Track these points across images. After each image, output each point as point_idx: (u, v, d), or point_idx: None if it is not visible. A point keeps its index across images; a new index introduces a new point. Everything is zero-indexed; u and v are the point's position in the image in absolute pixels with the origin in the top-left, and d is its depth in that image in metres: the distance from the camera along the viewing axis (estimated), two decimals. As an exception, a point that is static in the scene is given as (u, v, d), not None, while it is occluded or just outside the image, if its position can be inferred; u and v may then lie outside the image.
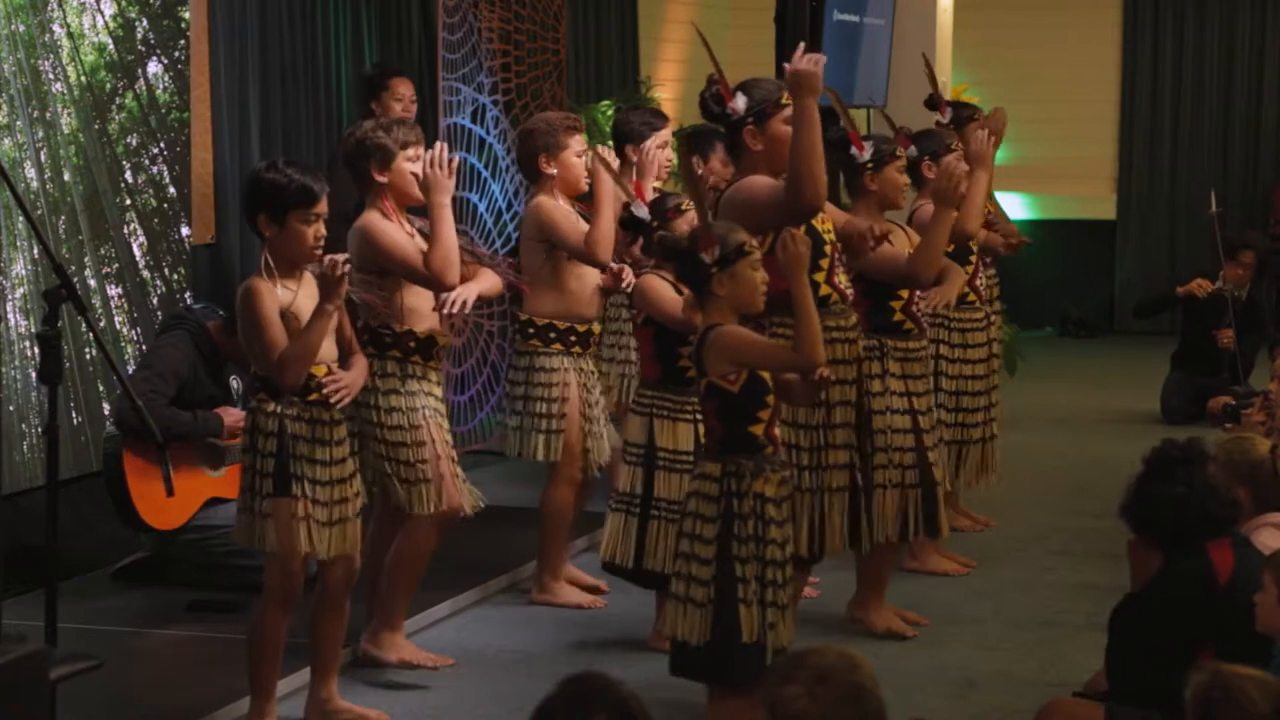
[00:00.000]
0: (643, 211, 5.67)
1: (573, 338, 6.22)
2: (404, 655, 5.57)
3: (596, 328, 6.34)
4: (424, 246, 5.34)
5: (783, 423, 5.05)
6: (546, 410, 6.18)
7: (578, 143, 6.24)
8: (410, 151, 5.40)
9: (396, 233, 5.37)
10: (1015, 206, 13.02)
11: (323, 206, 4.91)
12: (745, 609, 4.67)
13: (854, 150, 6.18)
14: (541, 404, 6.18)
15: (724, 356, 4.68)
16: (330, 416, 4.95)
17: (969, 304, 6.82)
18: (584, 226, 6.15)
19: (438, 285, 5.37)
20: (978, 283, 6.84)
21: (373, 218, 5.38)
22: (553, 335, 6.20)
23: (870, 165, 6.18)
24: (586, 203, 6.54)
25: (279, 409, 4.88)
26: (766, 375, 4.72)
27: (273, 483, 4.86)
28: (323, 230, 4.92)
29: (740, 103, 5.37)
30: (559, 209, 6.19)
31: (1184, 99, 13.97)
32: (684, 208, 5.64)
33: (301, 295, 4.90)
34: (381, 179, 5.38)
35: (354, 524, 5.02)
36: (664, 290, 5.56)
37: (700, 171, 7.27)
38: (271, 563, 4.95)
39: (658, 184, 6.37)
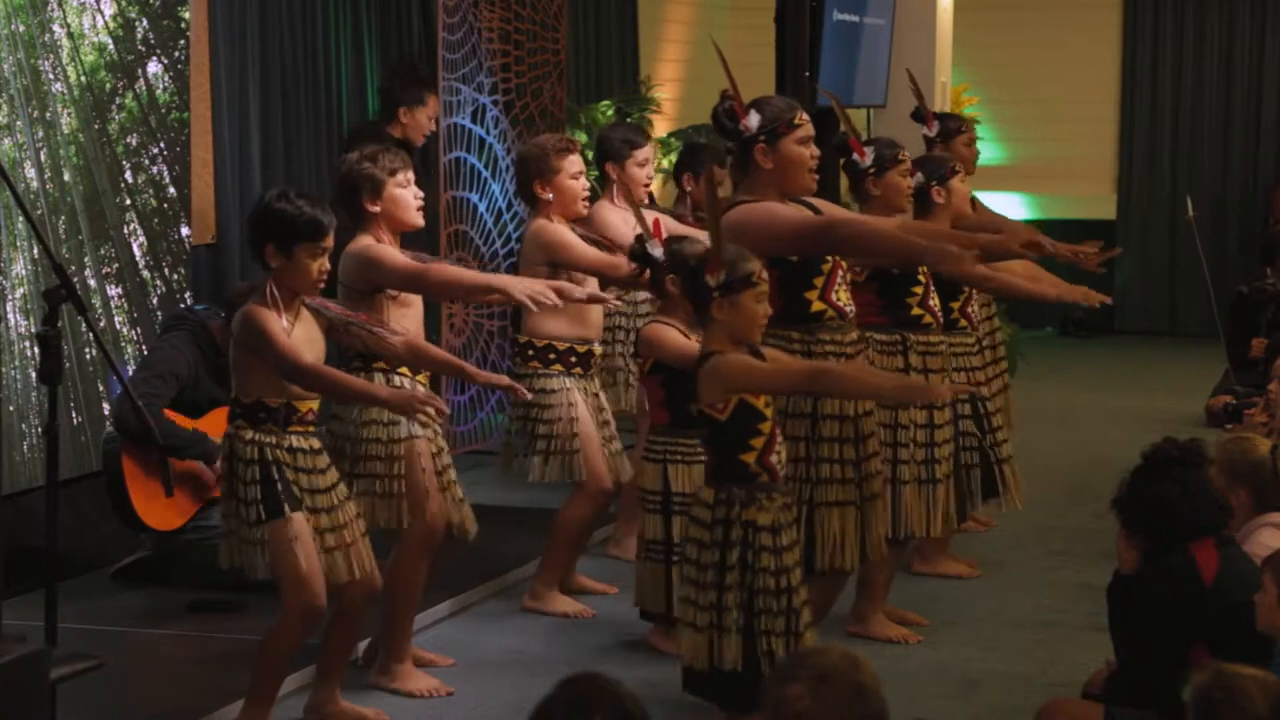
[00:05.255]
0: (657, 251, 5.59)
1: (573, 358, 6.17)
2: (413, 686, 5.52)
3: (598, 349, 6.30)
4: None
5: None
6: (550, 431, 6.13)
7: (572, 164, 6.17)
8: (399, 177, 5.38)
9: (391, 249, 5.37)
10: (1015, 206, 13.01)
11: (330, 240, 4.90)
12: (726, 637, 4.67)
13: (855, 156, 6.19)
14: (544, 425, 6.13)
15: (721, 385, 4.66)
16: (310, 446, 4.92)
17: (960, 329, 6.73)
18: (587, 246, 6.15)
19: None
20: (970, 310, 6.79)
21: (368, 241, 5.37)
22: (552, 356, 6.16)
23: (872, 170, 6.19)
24: (582, 224, 6.50)
25: (257, 437, 4.86)
26: (759, 404, 4.70)
27: (261, 508, 4.81)
28: (327, 264, 4.92)
29: (753, 120, 5.36)
30: (562, 229, 6.14)
31: (1184, 99, 13.97)
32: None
33: (298, 330, 4.88)
34: (374, 209, 5.36)
35: (359, 545, 4.98)
36: (672, 335, 5.51)
37: (690, 189, 7.25)
38: (293, 587, 4.85)
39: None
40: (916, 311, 6.07)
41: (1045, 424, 9.91)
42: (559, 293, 5.43)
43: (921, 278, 6.13)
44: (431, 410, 4.87)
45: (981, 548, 7.27)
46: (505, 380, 5.27)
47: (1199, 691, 3.43)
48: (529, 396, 5.69)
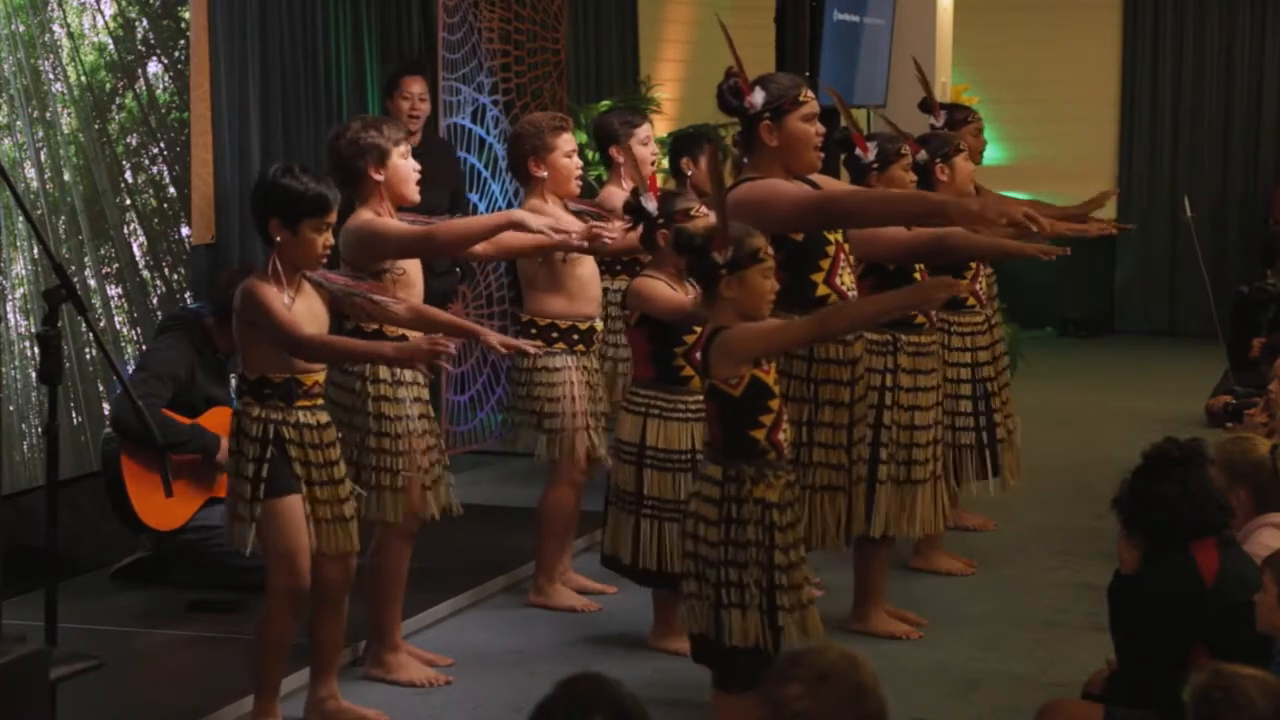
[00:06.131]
0: (651, 204, 5.64)
1: (575, 336, 6.22)
2: (412, 676, 5.55)
3: (599, 325, 6.34)
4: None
5: None
6: (550, 410, 6.17)
7: (566, 142, 6.20)
8: (402, 148, 5.41)
9: (392, 220, 5.39)
10: (1015, 206, 12.98)
11: (334, 216, 4.91)
12: (737, 613, 4.67)
13: (858, 151, 6.20)
14: (546, 404, 6.17)
15: (735, 357, 4.67)
16: (317, 421, 4.94)
17: (969, 308, 6.78)
18: (577, 225, 6.16)
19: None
20: (978, 286, 6.82)
21: (367, 216, 5.38)
22: (555, 335, 6.19)
23: (875, 166, 6.20)
24: (588, 200, 6.54)
25: (264, 414, 4.87)
26: (769, 379, 4.71)
27: (266, 486, 4.84)
28: (331, 239, 4.92)
29: (758, 97, 5.37)
30: (555, 209, 6.15)
31: (1184, 99, 13.96)
32: (693, 213, 5.61)
33: (299, 304, 4.89)
34: (379, 177, 5.37)
35: (353, 523, 5.01)
36: (660, 289, 5.56)
37: (690, 173, 7.27)
38: (277, 564, 4.91)
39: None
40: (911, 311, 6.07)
41: (1045, 424, 9.90)
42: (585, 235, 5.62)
43: (917, 276, 6.13)
44: (440, 351, 4.78)
45: (981, 548, 7.27)
46: (514, 342, 5.29)
47: (1198, 691, 3.43)
48: (541, 351, 5.83)
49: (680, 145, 7.53)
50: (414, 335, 5.16)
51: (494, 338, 5.21)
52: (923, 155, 6.56)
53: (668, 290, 5.55)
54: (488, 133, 8.56)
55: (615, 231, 5.89)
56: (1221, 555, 4.42)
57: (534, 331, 6.19)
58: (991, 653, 5.97)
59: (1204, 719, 3.40)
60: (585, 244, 5.78)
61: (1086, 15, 14.03)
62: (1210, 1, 13.84)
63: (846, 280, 5.43)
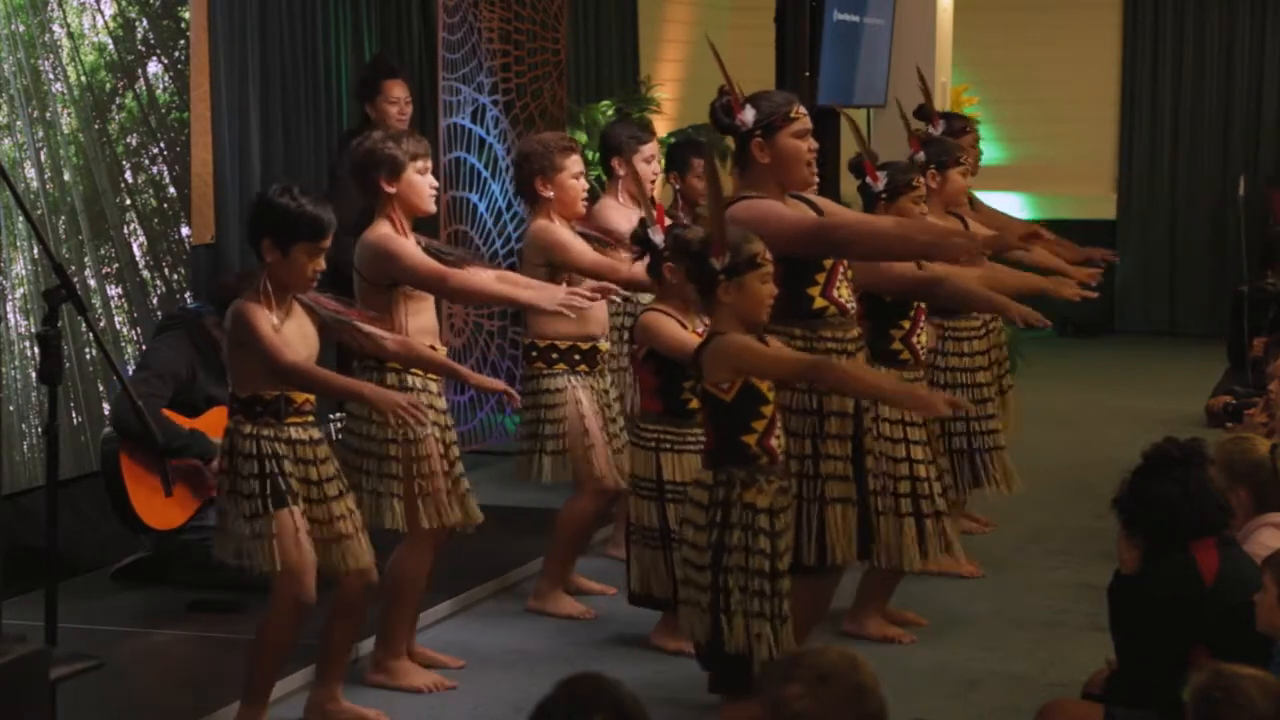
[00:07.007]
0: (658, 237, 5.61)
1: (576, 356, 6.18)
2: (415, 682, 5.54)
3: (603, 345, 6.30)
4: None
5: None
6: (555, 431, 6.13)
7: (574, 163, 6.18)
8: (419, 164, 5.39)
9: (411, 246, 5.38)
10: (1015, 207, 13.00)
11: (328, 241, 4.87)
12: (727, 619, 4.67)
13: (869, 180, 6.17)
14: (550, 425, 6.13)
15: (726, 364, 4.66)
16: (309, 436, 4.90)
17: (964, 314, 6.75)
18: (586, 247, 6.15)
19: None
20: None
21: (386, 231, 5.38)
22: (555, 355, 6.16)
23: (884, 196, 6.17)
24: (588, 221, 6.51)
25: (256, 430, 4.84)
26: (763, 386, 4.71)
27: (266, 501, 4.79)
28: (323, 264, 4.88)
29: (749, 115, 5.36)
30: (563, 231, 6.15)
31: (1184, 99, 13.96)
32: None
33: (290, 326, 4.85)
34: (390, 190, 5.36)
35: (356, 540, 4.96)
36: (670, 325, 5.53)
37: (678, 187, 7.25)
38: (284, 579, 4.85)
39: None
40: (896, 346, 6.03)
41: (1045, 424, 9.90)
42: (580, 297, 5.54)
43: (912, 312, 6.07)
44: (410, 418, 4.85)
45: (982, 548, 7.26)
46: (500, 384, 5.28)
47: (1198, 692, 3.43)
48: (518, 404, 5.73)
49: (669, 158, 7.46)
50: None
51: (474, 379, 5.32)
52: (920, 157, 6.54)
53: (676, 328, 5.51)
54: (487, 133, 8.56)
55: (625, 263, 5.88)
56: (1221, 555, 4.43)
57: (535, 353, 6.17)
58: (991, 653, 5.97)
59: (1204, 719, 3.41)
60: (597, 297, 5.75)
61: (1086, 15, 14.03)
62: (1210, 1, 13.84)
63: (844, 293, 5.40)
